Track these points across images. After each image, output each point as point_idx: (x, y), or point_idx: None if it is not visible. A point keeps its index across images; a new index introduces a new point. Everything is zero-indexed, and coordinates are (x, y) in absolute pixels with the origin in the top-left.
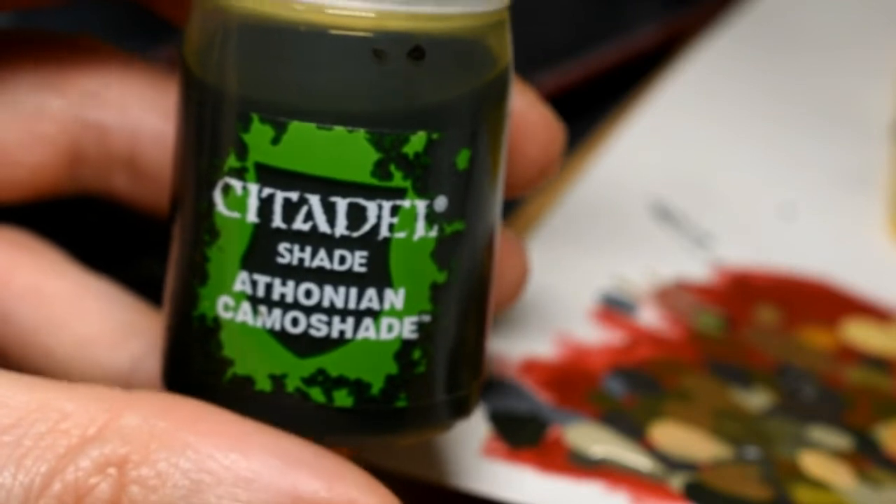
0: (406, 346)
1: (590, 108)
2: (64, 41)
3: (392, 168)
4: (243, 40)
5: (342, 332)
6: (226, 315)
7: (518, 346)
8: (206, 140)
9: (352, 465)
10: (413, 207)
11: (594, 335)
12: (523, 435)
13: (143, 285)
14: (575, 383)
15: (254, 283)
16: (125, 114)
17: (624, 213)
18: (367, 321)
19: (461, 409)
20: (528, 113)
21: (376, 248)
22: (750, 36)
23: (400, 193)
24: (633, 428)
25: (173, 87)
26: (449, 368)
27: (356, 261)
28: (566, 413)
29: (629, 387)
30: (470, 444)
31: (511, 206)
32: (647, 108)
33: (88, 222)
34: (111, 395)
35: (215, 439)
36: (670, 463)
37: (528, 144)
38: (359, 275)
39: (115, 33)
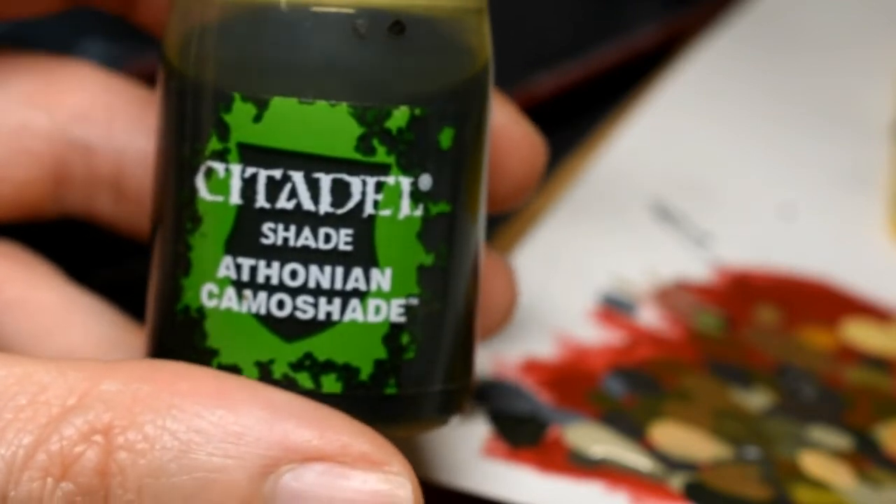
0: (394, 329)
1: (590, 108)
2: (51, 60)
3: (375, 143)
4: (224, 22)
5: (329, 314)
6: (210, 303)
7: (518, 347)
8: (188, 127)
9: (337, 412)
10: (398, 184)
11: (594, 335)
12: (523, 435)
13: (135, 284)
14: (575, 383)
15: (238, 267)
16: (111, 134)
17: (624, 214)
18: (354, 302)
19: (454, 404)
20: (509, 128)
21: (361, 225)
22: (750, 36)
23: (384, 169)
24: (633, 428)
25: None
26: (439, 357)
27: (341, 239)
28: (566, 413)
29: (629, 387)
30: (470, 444)
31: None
32: (647, 108)
33: (80, 221)
34: (88, 364)
35: (200, 397)
36: (670, 463)
37: (510, 160)
38: (344, 253)
39: (114, 33)
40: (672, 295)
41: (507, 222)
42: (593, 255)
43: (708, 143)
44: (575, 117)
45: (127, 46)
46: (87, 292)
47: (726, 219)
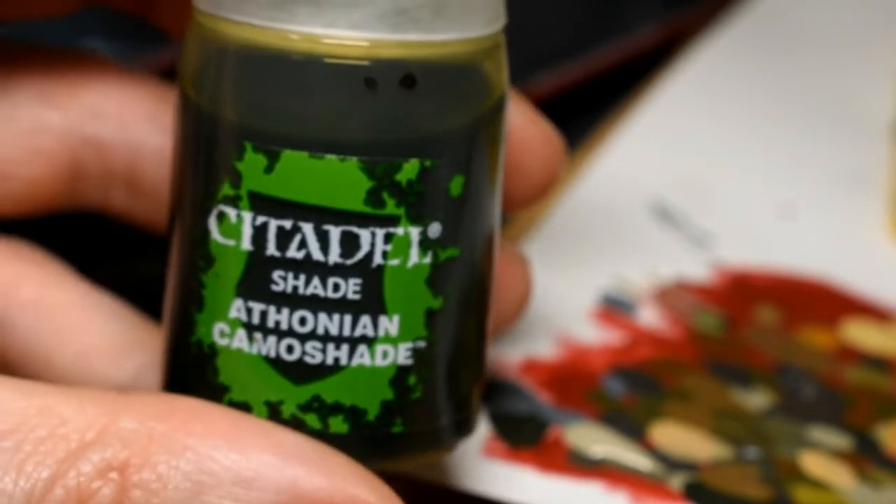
0: (401, 372)
1: (590, 108)
2: (63, 55)
3: (385, 196)
4: (238, 69)
5: (337, 359)
6: (222, 342)
7: (518, 347)
8: (202, 167)
9: (347, 458)
10: (407, 235)
11: (594, 335)
12: (523, 435)
13: (146, 283)
14: (575, 383)
15: (249, 311)
16: (125, 129)
17: (624, 213)
18: (362, 348)
19: (460, 431)
20: (527, 129)
21: (370, 275)
22: (750, 36)
23: (393, 221)
24: (633, 428)
25: (173, 101)
26: (446, 393)
27: (350, 288)
28: (566, 413)
29: (629, 387)
30: (470, 444)
31: None
32: (647, 108)
33: (91, 219)
34: (108, 398)
35: (214, 440)
36: (670, 463)
37: (528, 161)
38: (353, 302)
39: (116, 33)
40: (672, 295)
41: (507, 222)
42: (593, 255)
43: (708, 143)
44: (575, 117)
45: (128, 46)
46: (100, 290)
47: (726, 219)
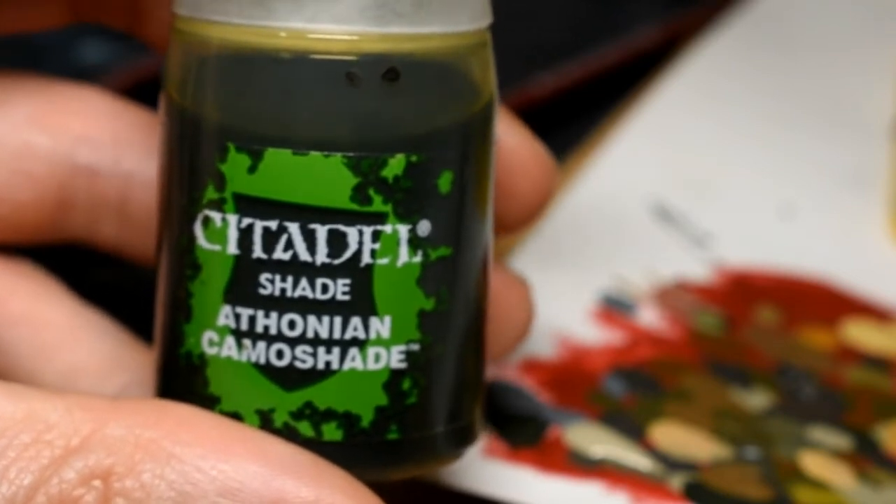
0: (395, 375)
1: (590, 108)
2: (56, 83)
3: (371, 192)
4: (222, 69)
5: (328, 363)
6: (211, 351)
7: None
8: (186, 173)
9: (338, 469)
10: (395, 232)
11: (594, 335)
12: (523, 435)
13: (135, 286)
14: (575, 383)
15: (237, 317)
16: (117, 157)
17: (624, 214)
18: (353, 351)
19: (462, 439)
20: (519, 149)
21: (359, 275)
22: (750, 36)
23: (380, 218)
24: (633, 428)
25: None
26: (444, 398)
27: (339, 289)
28: (566, 413)
29: (629, 387)
30: None
31: None
32: (647, 108)
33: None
34: (96, 404)
35: (200, 449)
36: (670, 463)
37: (520, 181)
38: (342, 303)
39: (114, 33)
40: (672, 295)
41: None
42: (593, 255)
43: (708, 143)
44: (575, 117)
45: (126, 46)
46: (92, 308)
47: (726, 219)
